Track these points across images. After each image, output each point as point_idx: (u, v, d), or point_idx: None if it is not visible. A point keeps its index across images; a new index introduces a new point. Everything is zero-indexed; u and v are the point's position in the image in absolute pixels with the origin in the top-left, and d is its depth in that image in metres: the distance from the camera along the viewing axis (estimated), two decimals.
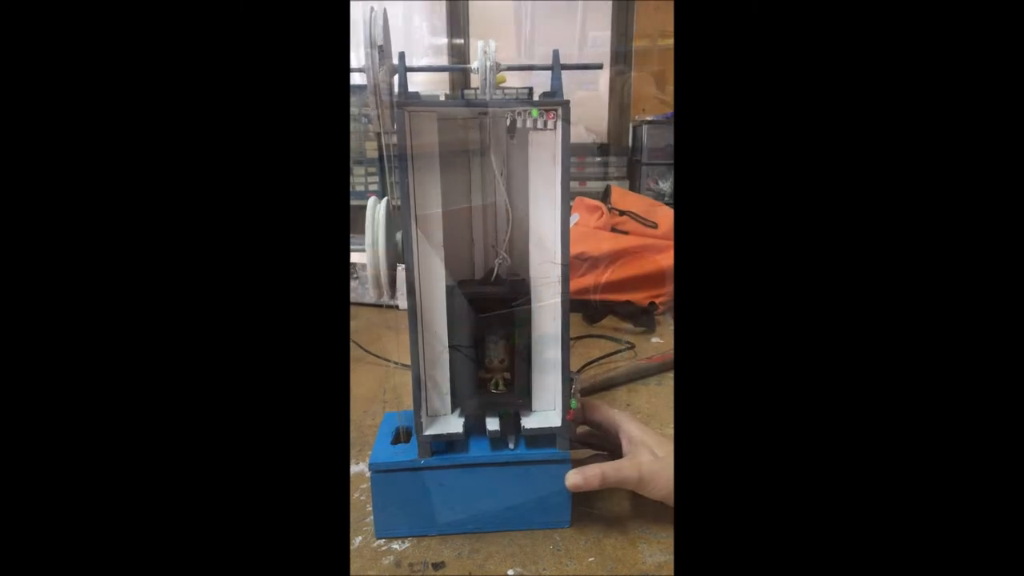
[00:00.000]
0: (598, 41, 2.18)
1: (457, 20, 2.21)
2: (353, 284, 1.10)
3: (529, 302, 0.46)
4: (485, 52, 0.43)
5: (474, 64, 0.44)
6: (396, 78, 0.43)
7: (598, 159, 1.98)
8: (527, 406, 0.48)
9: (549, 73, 0.44)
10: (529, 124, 0.42)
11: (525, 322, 0.46)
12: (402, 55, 0.43)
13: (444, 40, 2.24)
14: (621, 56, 2.20)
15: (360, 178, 1.90)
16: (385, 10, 0.42)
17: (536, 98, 0.45)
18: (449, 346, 0.46)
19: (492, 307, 0.47)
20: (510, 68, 0.46)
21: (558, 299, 0.45)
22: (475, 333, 0.48)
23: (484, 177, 0.49)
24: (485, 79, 0.42)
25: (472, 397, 0.48)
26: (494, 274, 0.49)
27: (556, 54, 0.44)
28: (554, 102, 0.41)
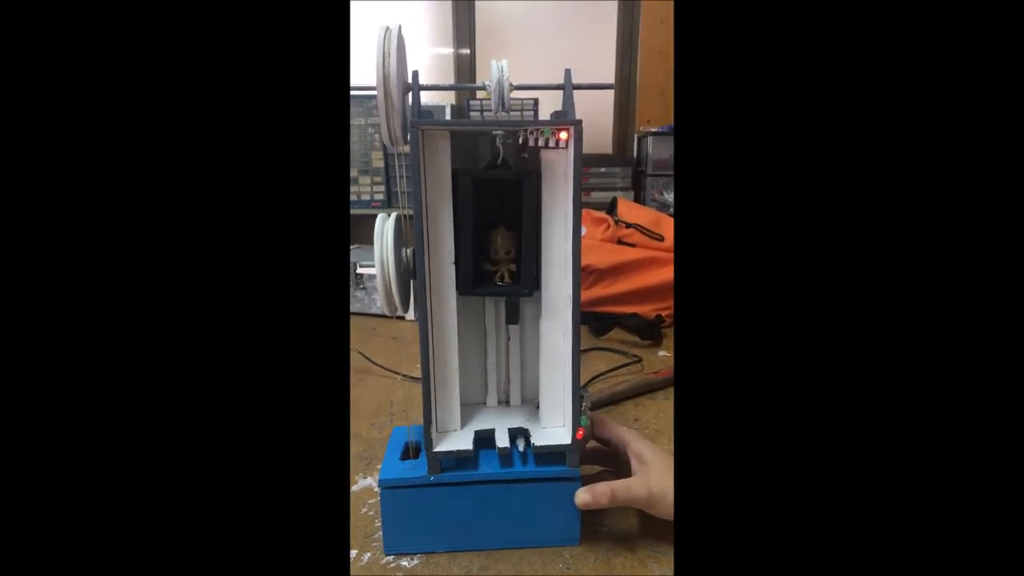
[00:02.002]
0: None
1: (463, 29, 2.22)
2: (360, 295, 1.10)
3: (539, 184, 0.45)
4: (500, 70, 0.43)
5: (487, 82, 0.44)
6: (410, 95, 0.44)
7: (603, 170, 1.99)
8: (531, 294, 0.47)
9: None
10: (541, 142, 0.42)
11: (533, 208, 0.45)
12: (415, 73, 0.44)
13: (448, 50, 2.25)
14: (626, 68, 2.21)
15: (366, 187, 1.91)
16: (400, 27, 0.43)
17: (541, 112, 0.45)
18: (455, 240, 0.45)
19: (499, 191, 0.45)
20: (522, 87, 0.46)
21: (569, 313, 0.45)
22: (481, 223, 0.46)
23: None
24: (499, 98, 0.43)
25: (477, 287, 0.47)
26: (499, 158, 0.46)
27: (568, 74, 0.45)
28: (566, 122, 0.42)
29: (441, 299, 0.45)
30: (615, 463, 0.51)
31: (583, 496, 0.45)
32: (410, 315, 0.46)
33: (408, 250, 0.46)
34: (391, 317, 1.04)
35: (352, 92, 0.39)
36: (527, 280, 0.47)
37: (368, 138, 1.87)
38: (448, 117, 1.75)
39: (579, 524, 0.47)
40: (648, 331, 0.97)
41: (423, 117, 0.43)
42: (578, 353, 0.45)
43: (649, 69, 2.19)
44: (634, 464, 0.47)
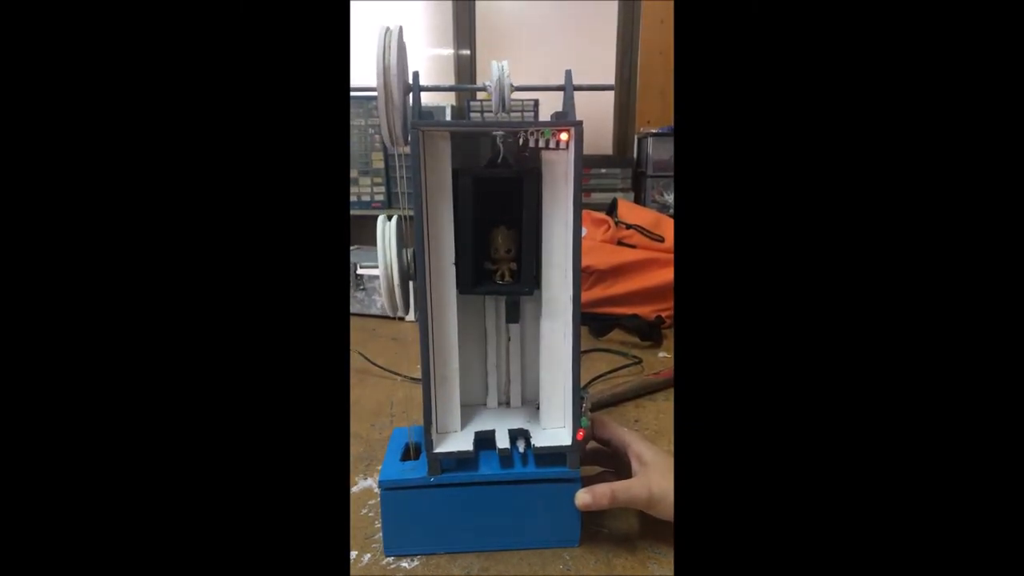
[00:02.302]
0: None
1: (463, 29, 2.22)
2: (360, 295, 1.10)
3: (539, 183, 0.45)
4: (501, 70, 0.43)
5: (487, 82, 0.44)
6: (410, 96, 0.44)
7: (603, 171, 1.99)
8: (532, 293, 0.47)
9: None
10: (541, 144, 0.42)
11: (534, 206, 0.45)
12: (416, 74, 0.44)
13: (448, 51, 2.25)
14: (626, 68, 2.22)
15: (367, 188, 1.91)
16: (400, 27, 0.43)
17: (541, 113, 0.45)
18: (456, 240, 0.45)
19: (499, 190, 0.45)
20: (522, 88, 0.46)
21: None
22: (481, 222, 0.46)
23: None
24: (500, 99, 0.43)
25: (477, 286, 0.46)
26: (500, 156, 0.46)
27: (568, 75, 0.45)
28: (567, 123, 0.42)
29: (441, 300, 0.45)
30: (615, 464, 0.51)
31: (583, 497, 0.45)
32: (410, 316, 0.46)
33: (408, 252, 0.46)
34: (392, 318, 1.04)
35: (352, 92, 0.39)
36: (527, 279, 0.47)
37: (368, 138, 1.87)
38: (448, 118, 1.75)
39: (579, 525, 0.47)
40: (648, 332, 0.97)
41: (423, 118, 0.43)
42: (578, 354, 0.45)
43: (649, 69, 2.19)
44: (634, 465, 0.47)
